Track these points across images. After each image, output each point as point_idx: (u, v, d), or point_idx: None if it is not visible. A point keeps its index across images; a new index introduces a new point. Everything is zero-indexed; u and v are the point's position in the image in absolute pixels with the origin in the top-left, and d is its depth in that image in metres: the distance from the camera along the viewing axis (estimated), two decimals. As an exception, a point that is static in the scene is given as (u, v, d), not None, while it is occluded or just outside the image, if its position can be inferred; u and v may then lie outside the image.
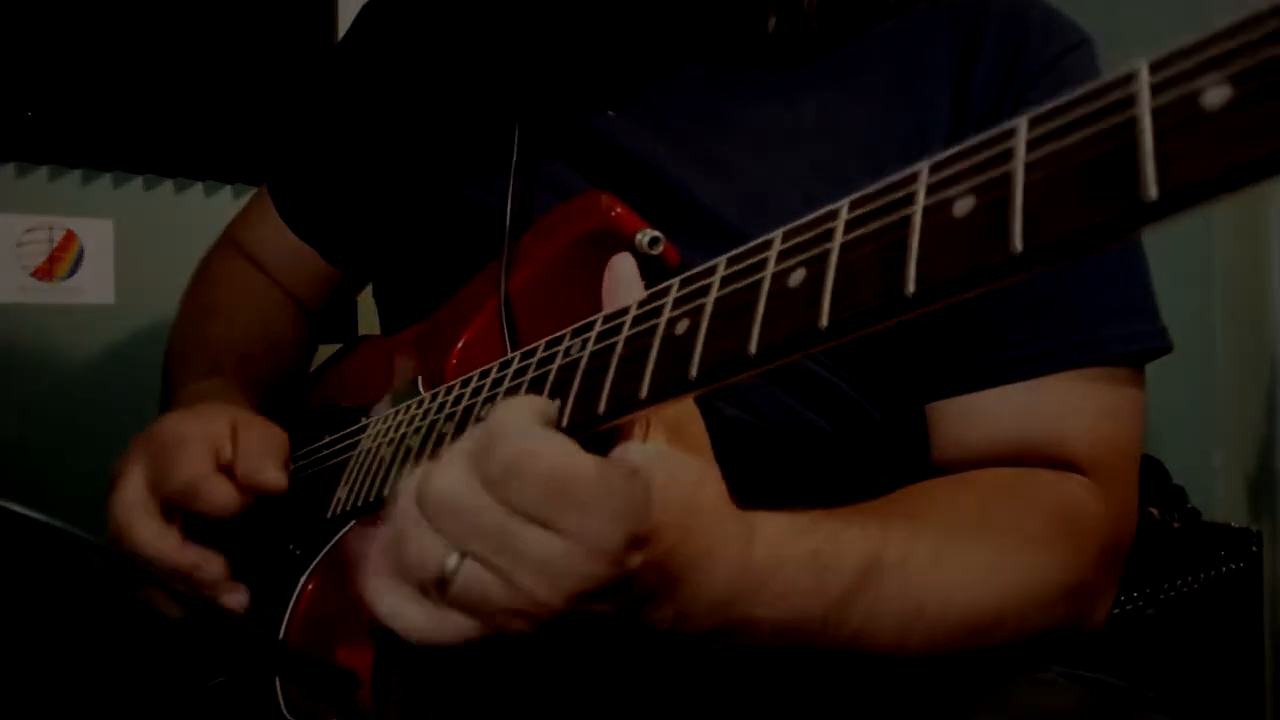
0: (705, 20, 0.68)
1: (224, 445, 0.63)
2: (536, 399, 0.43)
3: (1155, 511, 1.66)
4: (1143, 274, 0.65)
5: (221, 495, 0.61)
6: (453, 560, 0.38)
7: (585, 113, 0.70)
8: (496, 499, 0.38)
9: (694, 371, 0.37)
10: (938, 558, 0.53)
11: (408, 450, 0.57)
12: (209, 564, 0.62)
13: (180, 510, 0.62)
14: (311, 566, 0.62)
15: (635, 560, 0.40)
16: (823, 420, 0.66)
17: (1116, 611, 1.49)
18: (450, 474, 0.39)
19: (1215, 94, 0.24)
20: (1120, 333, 0.62)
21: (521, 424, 0.40)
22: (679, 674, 0.65)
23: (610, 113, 0.69)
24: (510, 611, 0.39)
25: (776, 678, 0.65)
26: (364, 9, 0.89)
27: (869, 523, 0.52)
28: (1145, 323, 0.64)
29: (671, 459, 0.42)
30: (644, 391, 0.39)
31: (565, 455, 0.38)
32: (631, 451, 0.41)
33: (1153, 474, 1.74)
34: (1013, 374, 0.62)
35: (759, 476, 0.51)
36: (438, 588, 0.39)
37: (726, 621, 0.46)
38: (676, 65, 0.69)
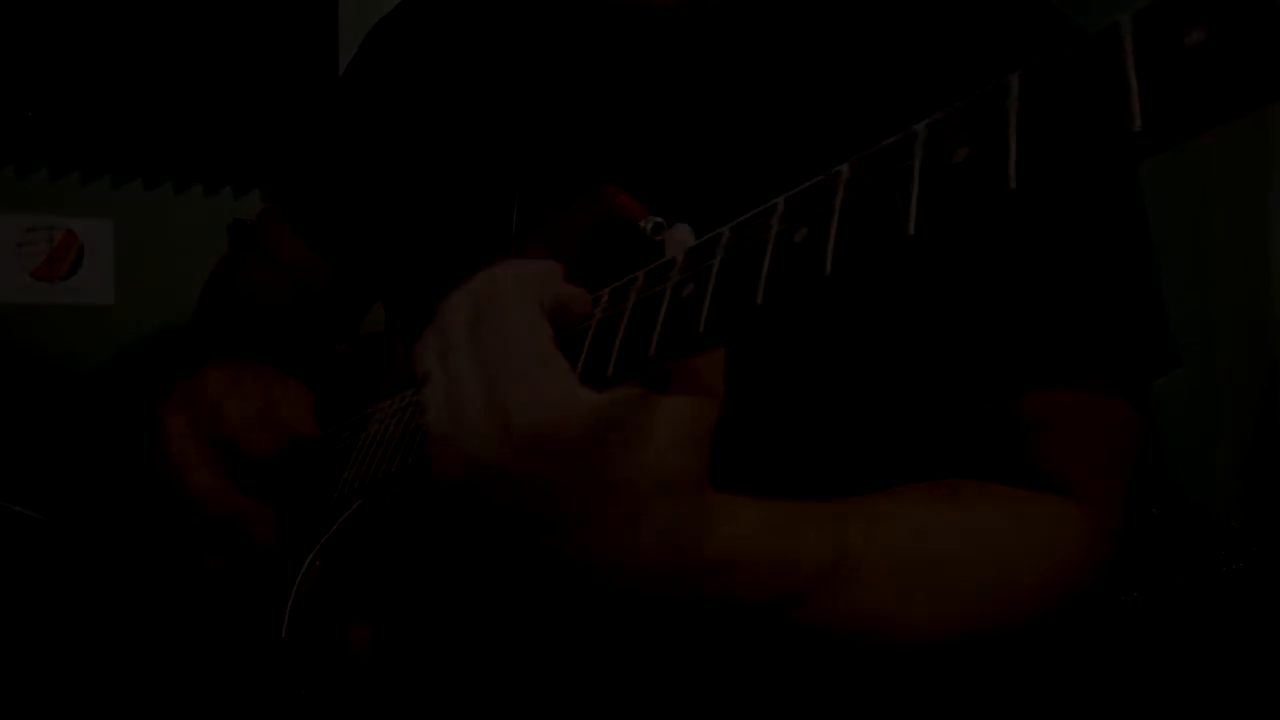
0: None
1: (267, 396, 0.67)
2: (551, 269, 0.45)
3: (1155, 511, 1.66)
4: (1152, 285, 0.63)
5: (264, 441, 0.66)
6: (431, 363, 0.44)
7: (590, 125, 0.71)
8: (472, 344, 0.42)
9: (702, 325, 0.37)
10: (911, 575, 0.55)
11: (415, 429, 0.58)
12: (257, 512, 0.66)
13: (225, 457, 0.67)
14: (319, 545, 0.64)
15: (535, 463, 0.41)
16: (811, 430, 0.65)
17: (1116, 612, 1.49)
18: (457, 310, 0.43)
19: (1193, 35, 0.25)
20: (1121, 349, 0.61)
21: (512, 289, 0.42)
22: (674, 674, 0.65)
23: (610, 125, 0.70)
24: (440, 436, 0.43)
25: (775, 678, 0.65)
26: (376, 26, 0.90)
27: (836, 529, 0.53)
28: (1150, 338, 0.62)
29: (654, 410, 0.42)
30: (652, 349, 0.39)
31: (521, 326, 0.41)
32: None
33: (1153, 474, 1.74)
34: (1006, 388, 0.61)
35: (744, 464, 0.51)
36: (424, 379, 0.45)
37: (656, 591, 0.48)
38: (679, 77, 0.70)
